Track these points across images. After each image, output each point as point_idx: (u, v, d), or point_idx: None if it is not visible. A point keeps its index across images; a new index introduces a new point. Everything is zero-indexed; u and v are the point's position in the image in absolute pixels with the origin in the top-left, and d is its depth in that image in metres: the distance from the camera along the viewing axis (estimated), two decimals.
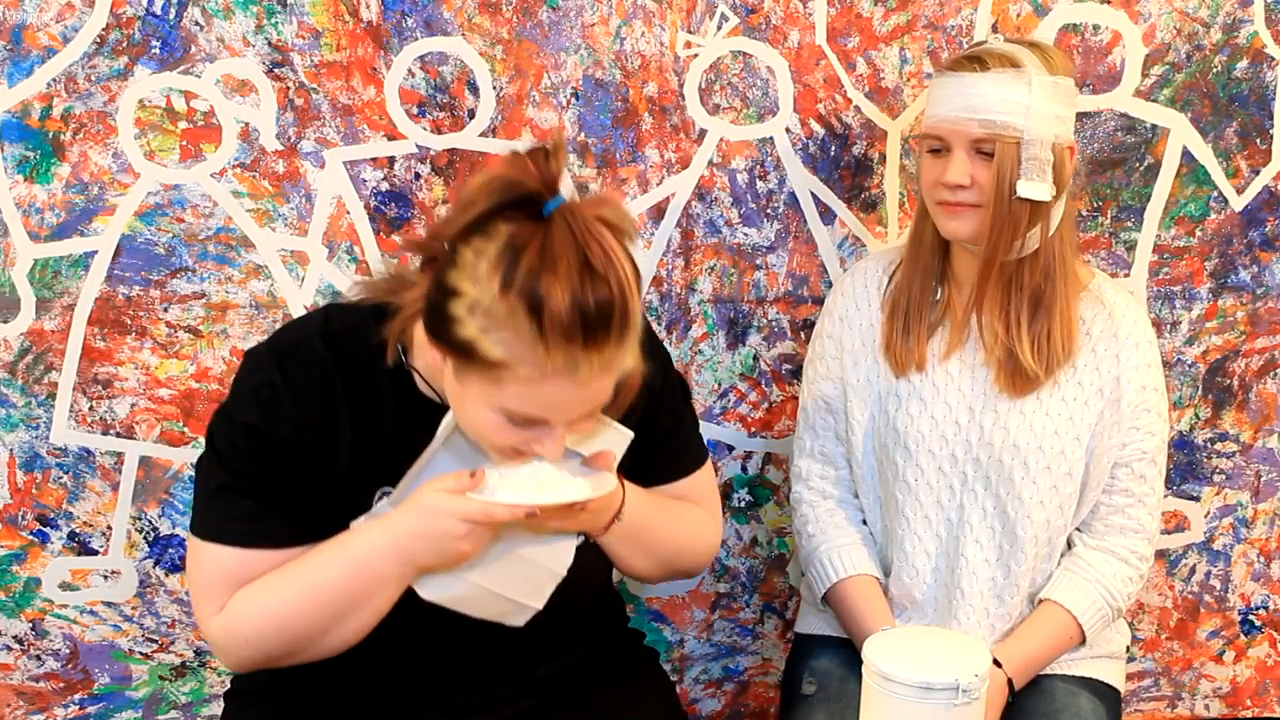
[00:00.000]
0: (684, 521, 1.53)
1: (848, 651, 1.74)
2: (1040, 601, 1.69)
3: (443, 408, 1.33)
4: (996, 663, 1.61)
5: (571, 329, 1.13)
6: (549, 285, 1.12)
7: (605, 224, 1.16)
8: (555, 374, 1.16)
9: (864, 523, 1.78)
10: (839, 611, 1.74)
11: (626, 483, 1.42)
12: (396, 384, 1.36)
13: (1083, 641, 1.69)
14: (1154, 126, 1.94)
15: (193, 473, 1.87)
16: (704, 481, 1.57)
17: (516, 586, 1.38)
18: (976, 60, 1.58)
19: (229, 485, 1.33)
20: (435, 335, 1.22)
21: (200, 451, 1.37)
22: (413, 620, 1.35)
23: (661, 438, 1.50)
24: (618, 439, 1.40)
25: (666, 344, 1.94)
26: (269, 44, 1.77)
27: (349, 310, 1.38)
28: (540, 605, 1.39)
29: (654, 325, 1.94)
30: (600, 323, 1.14)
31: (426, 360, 1.31)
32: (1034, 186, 1.56)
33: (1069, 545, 1.71)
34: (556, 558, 1.39)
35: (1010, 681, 1.64)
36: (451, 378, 1.24)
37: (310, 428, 1.32)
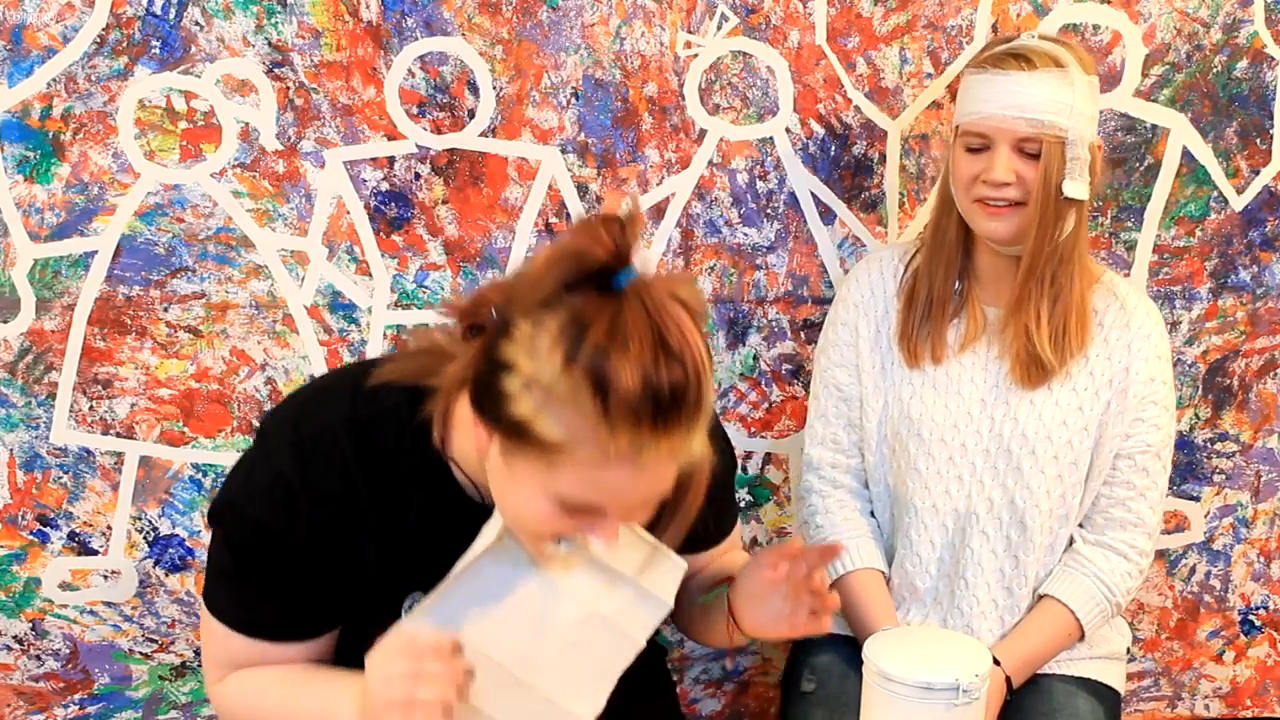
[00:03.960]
0: None
1: (848, 649, 1.74)
2: (1039, 598, 1.69)
3: (481, 506, 1.24)
4: (995, 660, 1.62)
5: (640, 410, 1.03)
6: (618, 361, 1.02)
7: (680, 303, 1.06)
8: (618, 459, 1.06)
9: (872, 515, 1.78)
10: (843, 604, 1.74)
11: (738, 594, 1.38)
12: (430, 477, 1.25)
13: (1081, 638, 1.70)
14: (1154, 126, 1.94)
15: (193, 472, 1.88)
16: (738, 528, 1.56)
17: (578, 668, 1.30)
18: (1023, 58, 1.58)
19: (236, 573, 1.27)
20: (483, 412, 1.12)
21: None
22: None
23: (718, 504, 1.40)
24: (673, 570, 1.33)
25: None
26: (269, 44, 1.77)
27: (380, 394, 1.24)
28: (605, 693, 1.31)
29: None
30: (672, 405, 1.05)
31: (465, 448, 1.21)
32: (1076, 185, 1.58)
33: (1069, 541, 1.71)
34: (639, 623, 1.32)
35: (1009, 680, 1.64)
36: (497, 458, 1.13)
37: (327, 532, 1.24)
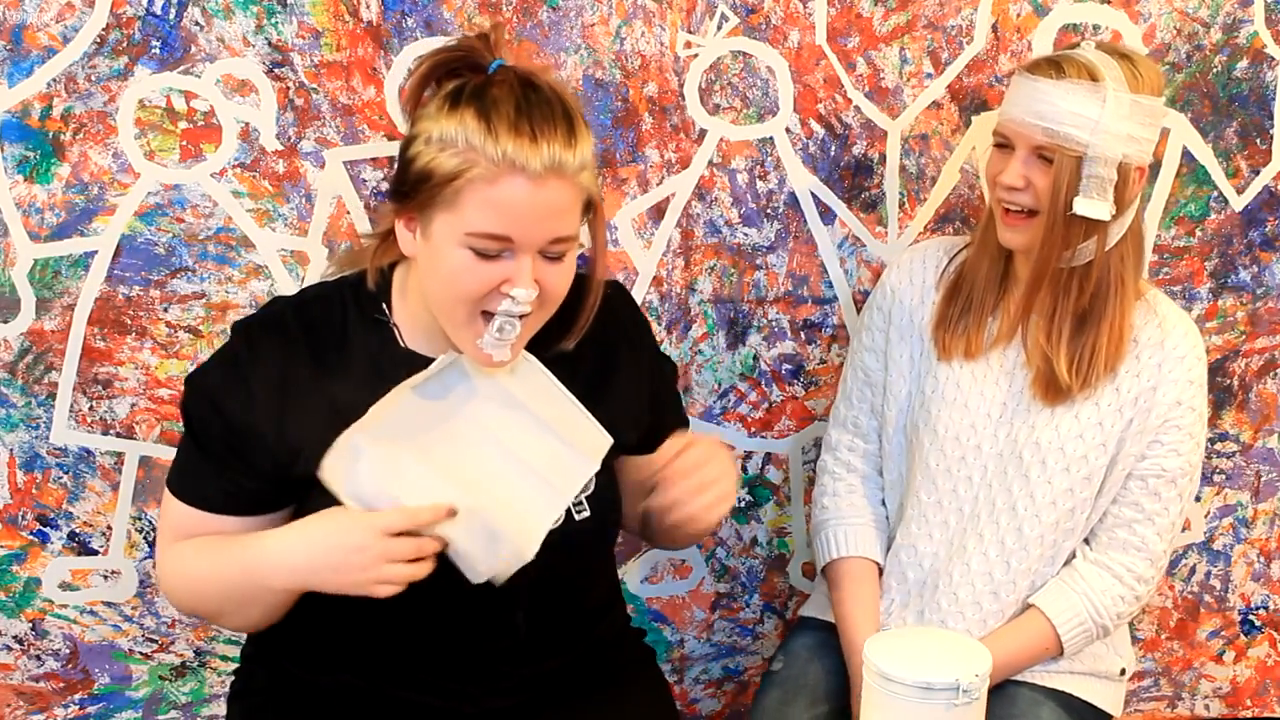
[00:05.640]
0: None
1: (824, 634, 1.74)
2: (1026, 607, 1.68)
3: (424, 360, 1.37)
4: None
5: (517, 118, 1.23)
6: (495, 92, 1.25)
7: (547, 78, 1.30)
8: (508, 169, 1.22)
9: (883, 503, 1.77)
10: (831, 588, 1.75)
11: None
12: (375, 341, 1.38)
13: (1060, 654, 1.67)
14: None
15: None
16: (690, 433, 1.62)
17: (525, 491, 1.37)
18: (1055, 66, 1.56)
19: (188, 443, 1.40)
20: (401, 199, 1.29)
21: None
22: (418, 609, 1.35)
23: (665, 405, 1.57)
24: (598, 436, 1.42)
25: (667, 344, 1.94)
26: (269, 44, 1.77)
27: (325, 283, 1.45)
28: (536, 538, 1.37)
29: (654, 326, 1.94)
30: (543, 113, 1.25)
31: (407, 311, 1.38)
32: (1092, 205, 1.54)
33: (1071, 555, 1.70)
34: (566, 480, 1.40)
35: None
36: (421, 242, 1.30)
37: (262, 409, 1.34)
